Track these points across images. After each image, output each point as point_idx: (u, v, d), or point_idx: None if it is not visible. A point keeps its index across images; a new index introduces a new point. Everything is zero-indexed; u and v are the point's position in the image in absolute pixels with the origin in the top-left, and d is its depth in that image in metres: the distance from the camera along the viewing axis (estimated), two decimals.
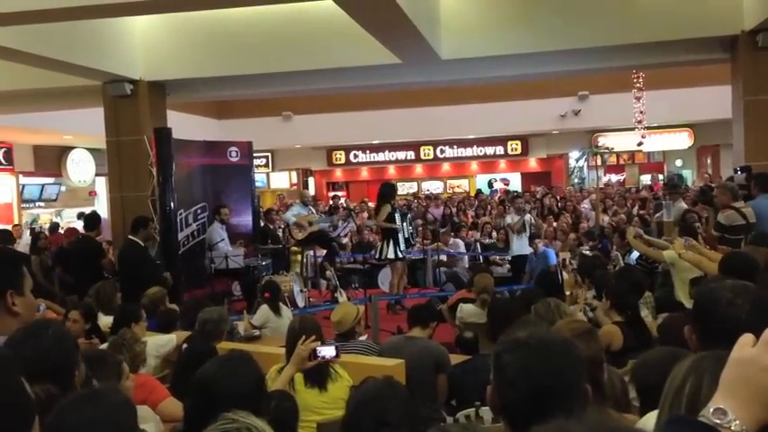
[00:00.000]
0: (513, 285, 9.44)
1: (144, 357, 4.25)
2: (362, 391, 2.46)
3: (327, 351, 3.83)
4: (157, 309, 6.03)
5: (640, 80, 15.79)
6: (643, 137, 16.77)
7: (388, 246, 8.95)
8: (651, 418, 1.79)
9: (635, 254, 7.81)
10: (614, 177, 20.61)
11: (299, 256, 10.63)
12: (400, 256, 9.08)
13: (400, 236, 8.99)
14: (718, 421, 1.03)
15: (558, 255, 10.16)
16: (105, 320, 5.68)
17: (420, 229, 12.56)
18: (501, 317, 4.60)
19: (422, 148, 21.06)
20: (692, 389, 1.23)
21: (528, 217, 10.79)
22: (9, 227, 12.99)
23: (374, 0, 6.16)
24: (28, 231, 13.47)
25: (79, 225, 11.58)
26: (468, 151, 21.09)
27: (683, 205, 9.18)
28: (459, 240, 11.99)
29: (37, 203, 16.64)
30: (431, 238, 11.76)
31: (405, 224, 9.23)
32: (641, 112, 16.13)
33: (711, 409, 1.04)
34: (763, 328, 1.08)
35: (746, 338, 1.08)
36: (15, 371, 1.37)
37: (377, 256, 9.48)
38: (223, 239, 9.28)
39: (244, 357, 2.63)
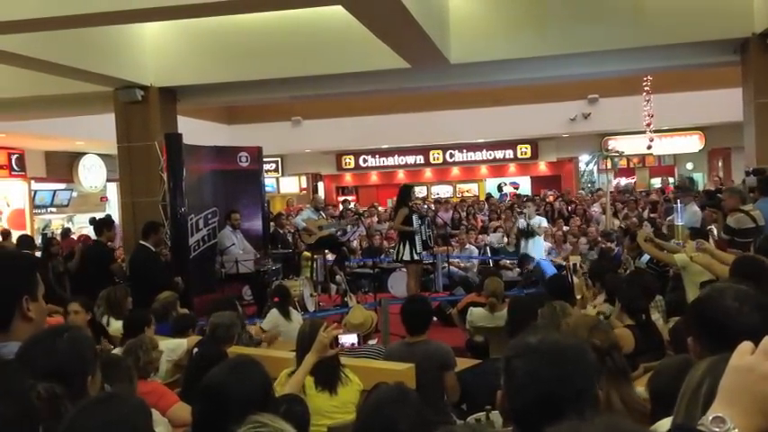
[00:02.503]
0: (523, 289, 9.41)
1: (157, 366, 4.26)
2: (374, 398, 2.46)
3: (349, 339, 3.85)
4: (169, 313, 6.05)
5: (649, 83, 15.73)
6: (651, 140, 16.69)
7: (404, 247, 8.94)
8: (663, 426, 1.78)
9: (646, 257, 7.78)
10: (624, 180, 20.50)
11: (309, 261, 10.65)
12: (416, 258, 9.06)
13: (417, 238, 8.97)
14: (717, 429, 1.03)
15: (567, 259, 10.14)
16: (116, 325, 5.72)
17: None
18: (521, 316, 4.55)
19: (431, 153, 21.06)
20: (709, 389, 1.22)
21: (523, 222, 10.77)
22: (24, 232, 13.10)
23: (383, 5, 6.17)
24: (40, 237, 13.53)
25: (91, 230, 11.62)
26: (478, 155, 21.05)
27: (696, 208, 9.13)
28: (473, 247, 12.01)
29: (49, 209, 16.75)
30: (440, 243, 11.74)
31: (423, 227, 9.21)
32: (650, 116, 16.06)
33: (710, 417, 1.03)
34: None
35: (745, 346, 1.07)
36: (19, 380, 1.38)
37: (394, 258, 9.47)
38: (233, 244, 9.32)
39: (251, 362, 2.64)
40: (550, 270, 9.53)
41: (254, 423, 2.07)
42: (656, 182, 20.32)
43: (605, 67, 9.40)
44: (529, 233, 10.78)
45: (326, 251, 10.55)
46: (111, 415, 1.80)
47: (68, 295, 9.33)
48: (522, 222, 10.85)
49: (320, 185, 22.58)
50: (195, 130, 12.41)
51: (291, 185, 22.53)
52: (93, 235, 9.64)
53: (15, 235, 12.17)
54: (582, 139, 19.39)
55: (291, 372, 3.90)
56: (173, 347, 5.08)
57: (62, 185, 17.11)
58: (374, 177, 22.45)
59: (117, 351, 4.33)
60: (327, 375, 3.83)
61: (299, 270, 10.64)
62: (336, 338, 3.79)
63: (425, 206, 15.65)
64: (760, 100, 8.17)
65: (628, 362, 4.45)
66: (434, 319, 5.69)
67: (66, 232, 14.16)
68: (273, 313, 6.79)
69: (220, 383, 2.47)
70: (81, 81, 8.72)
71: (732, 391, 1.05)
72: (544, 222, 11.36)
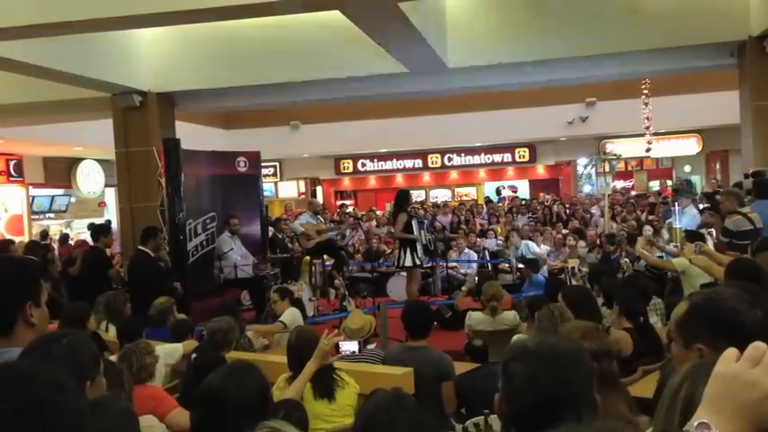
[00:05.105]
0: (522, 293, 9.39)
1: (152, 371, 4.25)
2: (370, 405, 2.46)
3: (350, 346, 3.85)
4: (166, 319, 6.05)
5: (647, 86, 15.76)
6: (649, 143, 16.72)
7: (405, 253, 8.90)
8: None
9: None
10: (620, 184, 20.52)
11: (308, 266, 10.64)
12: (418, 263, 9.03)
13: (418, 243, 8.96)
14: None
15: (566, 262, 10.14)
16: (114, 330, 5.72)
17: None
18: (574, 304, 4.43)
19: (429, 156, 21.07)
20: (687, 394, 1.23)
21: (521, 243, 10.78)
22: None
23: (382, 10, 6.19)
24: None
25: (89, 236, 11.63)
26: (476, 159, 21.07)
27: (695, 211, 9.14)
28: (471, 252, 12.01)
29: (47, 215, 16.73)
30: (442, 248, 11.73)
31: (422, 231, 9.19)
32: (648, 119, 16.09)
33: (696, 423, 1.04)
34: None
35: (730, 353, 1.08)
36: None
37: (395, 264, 9.44)
38: (232, 249, 9.31)
39: (248, 367, 2.64)
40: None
41: (266, 428, 2.07)
42: (655, 184, 20.35)
43: (603, 70, 9.42)
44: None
45: (325, 255, 10.54)
46: (98, 422, 1.80)
47: (65, 301, 9.34)
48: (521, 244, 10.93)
49: (319, 190, 22.59)
50: (193, 135, 12.41)
51: (290, 190, 22.54)
52: (89, 240, 9.63)
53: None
54: (580, 142, 19.42)
55: (289, 377, 3.90)
56: (168, 351, 5.08)
57: (60, 191, 17.11)
58: (372, 181, 22.47)
59: (113, 357, 4.31)
60: (325, 384, 3.83)
61: (299, 274, 10.62)
62: (337, 345, 3.79)
63: (422, 210, 15.67)
64: (757, 102, 8.19)
65: (626, 365, 4.47)
66: (434, 323, 5.68)
67: (65, 238, 14.16)
68: (294, 310, 6.79)
69: (218, 389, 2.47)
70: (79, 87, 8.73)
71: (717, 397, 1.06)
72: (534, 247, 11.30)
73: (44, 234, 13.84)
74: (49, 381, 1.29)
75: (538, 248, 11.16)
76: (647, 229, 10.08)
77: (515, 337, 4.84)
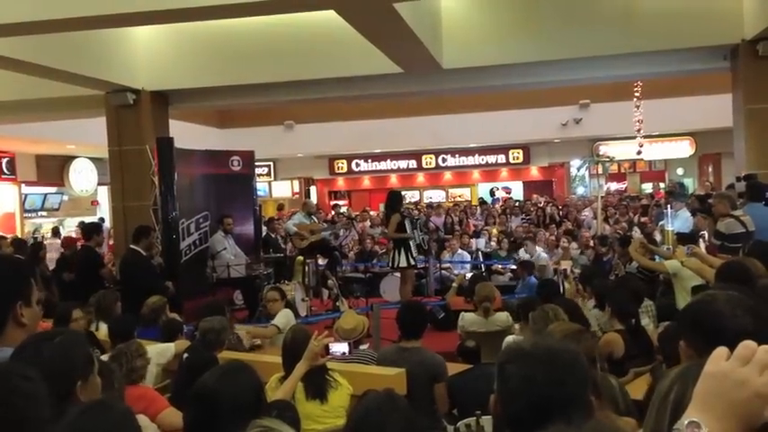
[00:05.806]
0: (514, 295, 9.40)
1: (143, 373, 4.22)
2: (362, 405, 2.45)
3: (340, 348, 3.84)
4: (158, 318, 6.03)
5: (639, 89, 15.81)
6: (641, 145, 16.78)
7: (399, 254, 8.89)
8: None
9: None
10: (613, 186, 20.59)
11: (301, 266, 10.62)
12: (413, 263, 9.03)
13: (412, 243, 8.96)
14: None
15: (558, 264, 10.16)
16: (105, 329, 5.69)
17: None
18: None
19: (424, 157, 21.10)
20: (677, 395, 1.23)
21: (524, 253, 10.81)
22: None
23: (377, 10, 6.18)
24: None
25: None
26: (470, 160, 21.11)
27: (688, 214, 9.16)
28: (464, 252, 12.02)
29: (39, 213, 16.67)
30: (435, 248, 11.72)
31: (416, 231, 9.20)
32: (639, 122, 16.15)
33: (686, 422, 1.05)
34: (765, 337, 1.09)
35: (721, 352, 1.09)
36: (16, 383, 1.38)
37: (389, 265, 9.44)
38: (225, 248, 9.29)
39: (242, 366, 2.63)
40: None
41: (258, 428, 2.06)
42: (647, 187, 20.42)
43: (597, 72, 9.43)
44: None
45: (319, 255, 10.52)
46: (100, 423, 1.79)
47: (57, 299, 9.30)
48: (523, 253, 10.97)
49: (312, 190, 22.57)
50: (187, 134, 12.37)
51: (284, 190, 22.52)
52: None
53: None
54: (573, 144, 19.48)
55: (282, 377, 3.89)
56: (160, 351, 5.06)
57: (53, 189, 17.04)
58: (366, 182, 22.47)
59: (104, 357, 4.29)
60: (317, 385, 3.82)
61: (292, 274, 10.60)
62: (327, 347, 3.78)
63: (416, 211, 15.67)
64: (750, 106, 8.22)
65: (618, 367, 4.48)
66: (428, 324, 5.68)
67: (57, 231, 14.13)
68: (287, 312, 6.77)
69: (212, 389, 2.46)
70: (72, 84, 8.68)
71: (707, 396, 1.07)
72: (543, 255, 11.26)
73: (55, 230, 13.85)
74: (16, 372, 1.34)
75: (544, 254, 11.15)
76: (636, 231, 10.13)
77: (508, 338, 4.85)
